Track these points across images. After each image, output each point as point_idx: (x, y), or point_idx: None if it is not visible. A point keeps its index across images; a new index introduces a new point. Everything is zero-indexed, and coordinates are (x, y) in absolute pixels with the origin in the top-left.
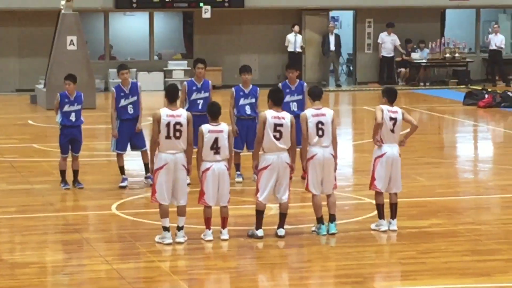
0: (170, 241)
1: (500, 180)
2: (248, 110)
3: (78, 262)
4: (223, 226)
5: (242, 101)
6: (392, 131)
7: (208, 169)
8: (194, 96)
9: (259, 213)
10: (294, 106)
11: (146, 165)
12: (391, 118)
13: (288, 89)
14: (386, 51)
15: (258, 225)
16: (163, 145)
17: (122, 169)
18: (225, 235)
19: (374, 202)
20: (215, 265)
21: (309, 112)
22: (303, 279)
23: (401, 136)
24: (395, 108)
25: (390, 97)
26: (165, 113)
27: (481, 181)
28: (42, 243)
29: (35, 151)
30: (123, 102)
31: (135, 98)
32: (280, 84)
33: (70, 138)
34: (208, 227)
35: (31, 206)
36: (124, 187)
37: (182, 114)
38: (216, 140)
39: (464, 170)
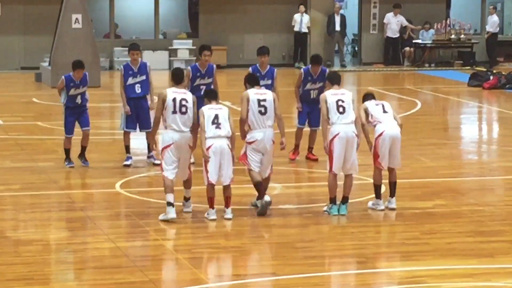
0: (174, 215)
1: (504, 162)
2: None
3: (82, 240)
4: (227, 206)
5: None
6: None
7: (210, 147)
8: (197, 82)
9: (257, 184)
10: (314, 94)
11: (149, 145)
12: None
13: (310, 77)
14: (392, 32)
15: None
16: (169, 121)
17: (127, 148)
18: (228, 214)
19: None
20: (219, 244)
21: (329, 92)
22: (306, 259)
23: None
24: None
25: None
26: (171, 91)
27: (485, 162)
28: (46, 220)
29: (39, 129)
30: (130, 81)
31: (143, 77)
32: (302, 70)
33: (76, 117)
34: (211, 206)
35: (35, 183)
36: (128, 166)
37: (187, 92)
38: (216, 116)
39: (468, 151)
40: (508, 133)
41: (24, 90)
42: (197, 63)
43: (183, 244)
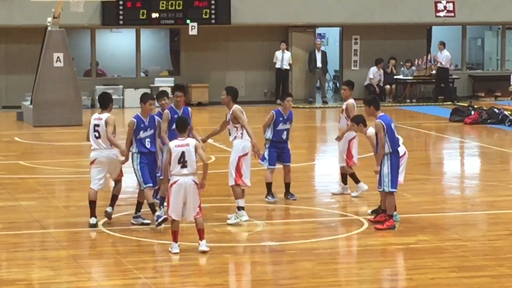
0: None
1: (486, 197)
2: None
3: (65, 279)
4: (201, 238)
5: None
6: None
7: (174, 182)
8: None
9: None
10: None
11: (139, 204)
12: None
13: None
14: (375, 81)
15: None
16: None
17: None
18: (203, 246)
19: (361, 218)
20: (202, 282)
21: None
22: None
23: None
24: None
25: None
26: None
27: (467, 197)
28: (29, 260)
29: (21, 168)
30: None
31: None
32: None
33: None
34: (174, 240)
35: (17, 223)
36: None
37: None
38: (183, 154)
39: (450, 186)
40: (490, 168)
41: (6, 129)
42: (172, 105)
43: (166, 282)
